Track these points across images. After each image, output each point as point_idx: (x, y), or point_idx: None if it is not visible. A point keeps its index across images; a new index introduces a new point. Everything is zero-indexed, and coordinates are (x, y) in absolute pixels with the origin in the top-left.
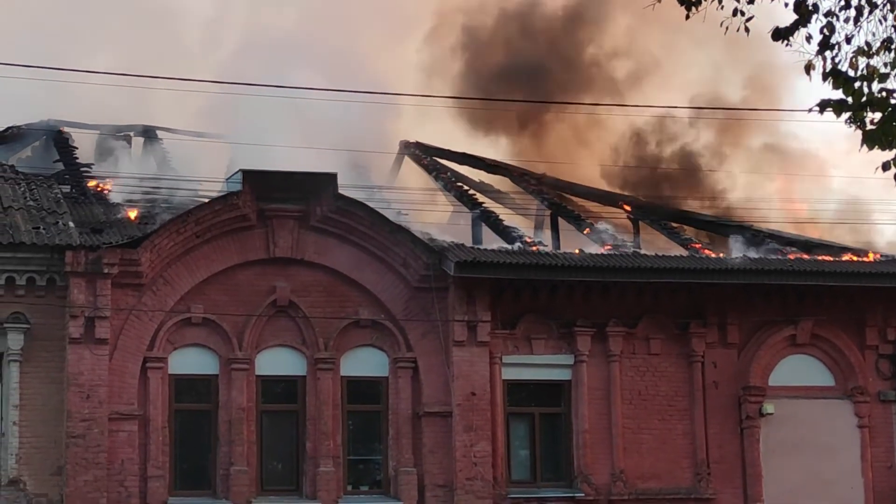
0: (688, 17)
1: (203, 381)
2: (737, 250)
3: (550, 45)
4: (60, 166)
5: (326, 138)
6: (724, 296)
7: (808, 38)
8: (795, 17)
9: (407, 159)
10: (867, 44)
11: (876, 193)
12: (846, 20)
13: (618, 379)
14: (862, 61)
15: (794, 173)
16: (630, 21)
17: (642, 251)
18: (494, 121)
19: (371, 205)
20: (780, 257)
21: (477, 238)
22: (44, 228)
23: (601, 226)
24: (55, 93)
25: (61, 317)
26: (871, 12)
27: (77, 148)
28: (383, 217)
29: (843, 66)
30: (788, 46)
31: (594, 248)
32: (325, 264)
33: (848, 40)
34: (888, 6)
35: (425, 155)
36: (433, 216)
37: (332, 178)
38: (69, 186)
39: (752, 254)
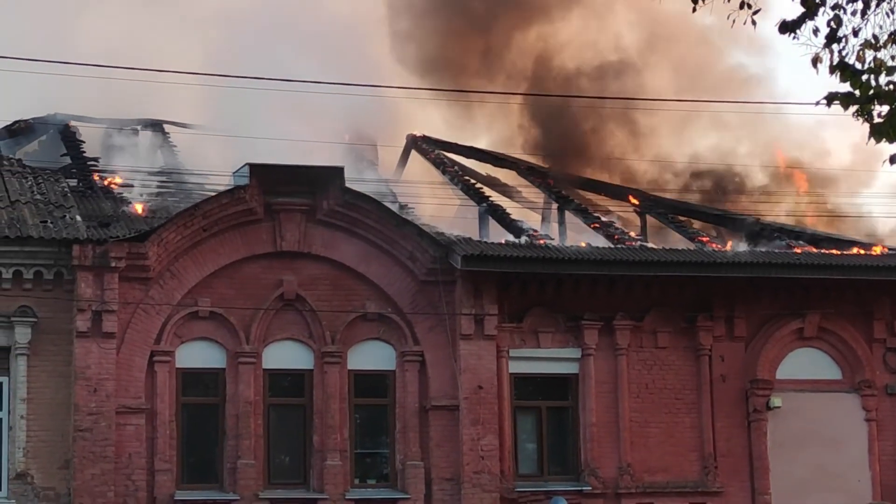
0: (694, 9)
1: (210, 375)
2: (743, 244)
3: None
4: (68, 160)
5: (332, 131)
6: (732, 289)
7: (816, 31)
8: (802, 9)
9: (414, 153)
10: (874, 37)
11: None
12: (853, 13)
13: (625, 372)
14: (869, 54)
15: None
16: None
17: (649, 244)
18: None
19: (377, 198)
20: (787, 250)
21: (484, 232)
22: (51, 222)
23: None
24: (61, 86)
25: (69, 310)
26: (878, 5)
27: (84, 142)
28: (390, 210)
29: (851, 59)
30: (795, 39)
31: (601, 242)
32: (332, 258)
33: (855, 33)
34: None
35: (432, 148)
36: (440, 210)
37: (339, 171)
38: (76, 180)
39: (760, 247)
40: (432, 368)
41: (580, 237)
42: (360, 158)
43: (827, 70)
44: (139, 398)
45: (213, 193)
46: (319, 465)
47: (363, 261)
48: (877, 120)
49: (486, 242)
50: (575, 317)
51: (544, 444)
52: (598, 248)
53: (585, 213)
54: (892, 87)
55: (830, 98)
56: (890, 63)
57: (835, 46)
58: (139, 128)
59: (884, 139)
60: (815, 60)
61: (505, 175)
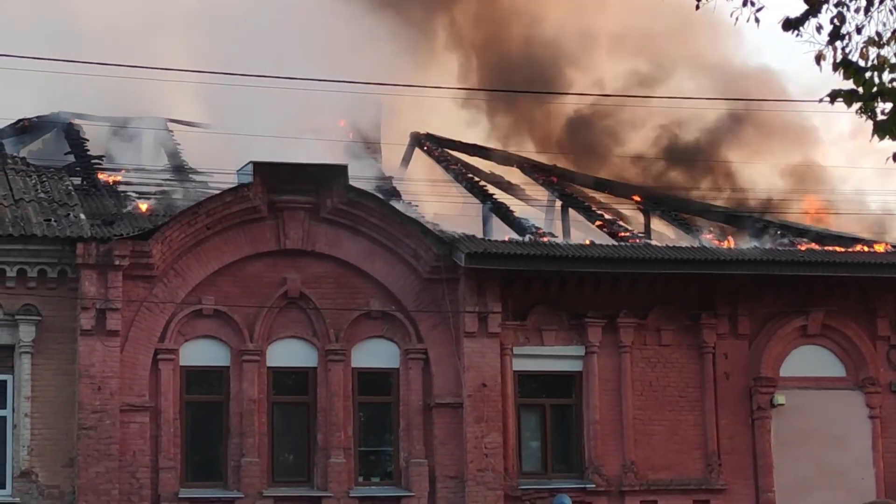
0: (697, 7)
1: (214, 373)
2: (747, 241)
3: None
4: (72, 158)
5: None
6: (735, 287)
7: (819, 29)
8: (806, 7)
9: (418, 151)
10: (878, 34)
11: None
12: (857, 10)
13: (628, 370)
14: (872, 51)
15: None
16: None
17: (653, 242)
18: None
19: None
20: (790, 248)
21: (488, 229)
22: (55, 220)
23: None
24: (65, 84)
25: (73, 309)
26: (881, 2)
27: (88, 140)
28: (394, 208)
29: (854, 57)
30: (799, 36)
31: (605, 240)
32: (336, 256)
33: (858, 30)
34: None
35: (436, 146)
36: (444, 207)
37: (342, 169)
38: (80, 178)
39: (764, 245)
40: (436, 366)
41: (584, 235)
42: (357, 156)
43: (830, 67)
44: (143, 396)
45: (217, 191)
46: (323, 463)
47: (367, 259)
48: (880, 117)
49: (489, 240)
50: (578, 314)
51: (548, 442)
52: (601, 245)
53: (589, 211)
54: (895, 84)
55: (834, 95)
56: (893, 60)
57: (838, 44)
58: (143, 126)
59: (887, 136)
60: (819, 58)
61: (509, 173)
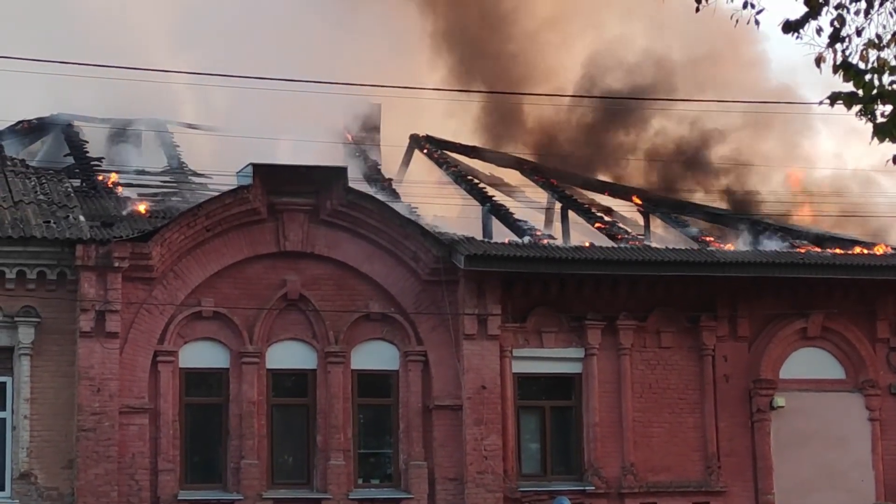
0: (698, 9)
1: (214, 375)
2: (747, 243)
3: None
4: (71, 160)
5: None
6: (735, 289)
7: (819, 31)
8: (806, 9)
9: (417, 153)
10: (878, 36)
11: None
12: (857, 13)
13: (628, 372)
14: (872, 54)
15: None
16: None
17: (652, 244)
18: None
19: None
20: (790, 250)
21: (487, 231)
22: (54, 222)
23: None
24: (65, 87)
25: (72, 310)
26: (881, 5)
27: (87, 142)
28: (393, 210)
29: (854, 59)
30: (799, 39)
31: (604, 242)
32: (336, 258)
33: (858, 33)
34: None
35: (435, 148)
36: (443, 209)
37: (342, 171)
38: (80, 180)
39: (764, 247)
40: (436, 368)
41: (583, 237)
42: (352, 154)
43: (830, 70)
44: (142, 398)
45: (217, 193)
46: (323, 465)
47: (366, 261)
48: (880, 120)
49: (489, 242)
50: (578, 317)
51: (548, 444)
52: (601, 247)
53: (589, 213)
54: (895, 86)
55: (834, 98)
56: (893, 63)
57: (838, 46)
58: (143, 128)
59: (887, 139)
60: (819, 60)
61: (508, 175)
